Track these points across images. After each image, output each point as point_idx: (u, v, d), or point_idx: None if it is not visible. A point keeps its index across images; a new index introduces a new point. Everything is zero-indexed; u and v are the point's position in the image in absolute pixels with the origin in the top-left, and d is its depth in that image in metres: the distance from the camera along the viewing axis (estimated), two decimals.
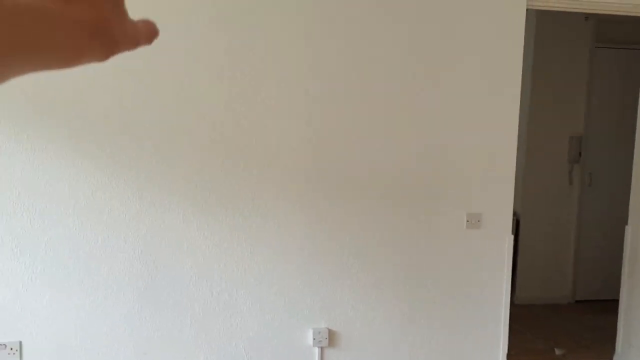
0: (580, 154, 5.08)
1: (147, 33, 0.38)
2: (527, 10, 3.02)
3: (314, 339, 2.95)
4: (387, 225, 2.99)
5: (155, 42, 0.39)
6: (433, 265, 3.07)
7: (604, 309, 4.72)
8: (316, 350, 2.97)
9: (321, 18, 2.83)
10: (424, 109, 3.00)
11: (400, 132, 2.97)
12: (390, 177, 2.98)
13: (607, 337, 3.98)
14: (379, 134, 2.95)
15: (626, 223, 3.64)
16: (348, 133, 2.91)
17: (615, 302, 3.77)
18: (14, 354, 2.61)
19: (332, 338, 2.98)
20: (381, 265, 3.01)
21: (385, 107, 2.95)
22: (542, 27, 4.80)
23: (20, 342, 2.63)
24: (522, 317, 4.49)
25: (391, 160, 2.97)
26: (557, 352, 4.09)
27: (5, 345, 2.60)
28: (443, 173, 3.05)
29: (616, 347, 3.73)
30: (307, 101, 2.85)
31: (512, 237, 3.18)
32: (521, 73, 3.05)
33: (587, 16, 4.75)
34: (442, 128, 3.02)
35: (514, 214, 3.32)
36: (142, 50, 0.40)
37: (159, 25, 0.39)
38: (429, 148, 3.01)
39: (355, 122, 2.92)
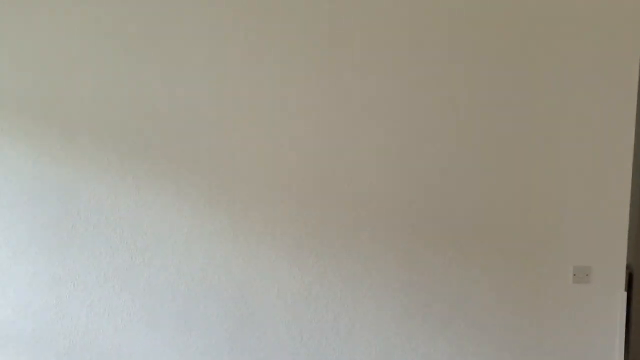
0: None
1: None
2: None
3: None
4: (486, 279, 2.84)
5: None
6: (536, 323, 2.86)
7: None
8: None
9: (416, 59, 2.79)
10: (525, 152, 2.85)
11: (498, 176, 2.84)
12: (489, 225, 2.83)
13: None
14: (475, 178, 2.83)
15: None
16: (446, 177, 2.82)
17: None
18: None
19: None
20: (480, 320, 2.84)
21: (483, 149, 2.84)
22: None
23: None
24: None
25: (489, 207, 2.83)
26: None
27: None
28: (545, 221, 2.86)
29: None
30: (401, 146, 2.80)
31: (624, 293, 2.92)
32: (634, 115, 2.84)
33: None
34: (544, 172, 2.85)
35: (627, 266, 3.05)
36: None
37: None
38: (530, 193, 2.85)
39: (452, 166, 2.82)
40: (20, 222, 2.69)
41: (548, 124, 2.86)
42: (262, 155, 2.76)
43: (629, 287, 4.43)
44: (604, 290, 2.89)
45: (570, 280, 2.88)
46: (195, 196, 2.73)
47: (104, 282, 2.71)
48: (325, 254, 2.78)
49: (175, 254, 2.73)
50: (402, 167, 2.81)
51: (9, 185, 2.69)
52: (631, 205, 2.91)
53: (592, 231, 2.88)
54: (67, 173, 2.70)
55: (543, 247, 2.87)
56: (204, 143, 2.74)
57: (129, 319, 2.71)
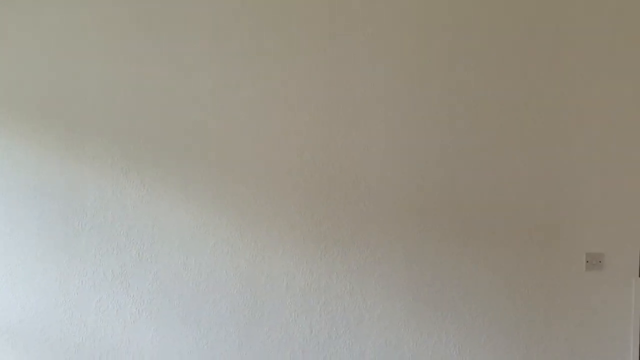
0: None
1: None
2: None
3: None
4: (496, 267, 2.80)
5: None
6: (548, 312, 2.83)
7: None
8: None
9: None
10: (536, 140, 2.80)
11: (507, 164, 2.80)
12: (499, 212, 2.79)
13: None
14: (484, 167, 2.79)
15: None
16: (452, 165, 2.78)
17: None
18: None
19: None
20: (491, 309, 2.81)
21: (492, 138, 2.79)
22: None
23: None
24: None
25: (499, 194, 2.79)
26: None
27: None
28: (557, 206, 2.82)
29: None
30: (407, 137, 2.77)
31: (639, 279, 2.87)
32: None
33: None
34: (555, 159, 2.80)
35: None
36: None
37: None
38: (540, 177, 2.80)
39: (459, 153, 2.78)
40: (27, 221, 2.68)
41: (562, 111, 2.81)
42: (267, 149, 2.73)
43: None
44: (617, 277, 2.84)
45: (583, 267, 2.84)
46: (200, 191, 2.71)
47: (112, 278, 2.70)
48: (332, 246, 2.76)
49: (182, 249, 2.72)
50: (409, 157, 2.78)
51: (15, 183, 2.68)
52: None
53: (604, 217, 2.83)
54: (71, 170, 2.69)
55: (554, 235, 2.82)
56: (208, 138, 2.72)
57: (138, 315, 2.71)
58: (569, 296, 2.83)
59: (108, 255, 2.70)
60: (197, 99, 2.72)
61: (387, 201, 2.77)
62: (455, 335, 2.81)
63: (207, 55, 2.73)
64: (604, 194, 2.83)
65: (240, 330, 2.74)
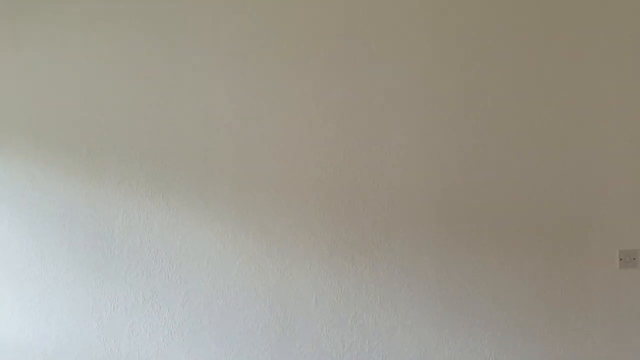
0: None
1: None
2: None
3: None
4: (527, 271, 2.75)
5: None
6: (582, 314, 2.76)
7: None
8: None
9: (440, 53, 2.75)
10: (565, 135, 2.76)
11: (536, 160, 2.76)
12: (526, 214, 2.75)
13: None
14: (511, 164, 2.76)
15: None
16: (476, 168, 2.75)
17: None
18: None
19: None
20: (524, 314, 2.76)
21: (518, 135, 2.76)
22: None
23: None
24: None
25: (525, 195, 2.75)
26: None
27: None
28: (587, 203, 2.76)
29: None
30: (429, 140, 2.75)
31: None
32: None
33: None
34: (585, 154, 2.76)
35: None
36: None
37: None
38: (571, 175, 2.76)
39: (485, 155, 2.76)
40: (56, 248, 2.73)
41: (589, 106, 2.77)
42: (287, 161, 2.74)
43: None
44: None
45: (616, 265, 2.77)
46: (224, 209, 2.73)
47: (143, 302, 2.72)
48: (359, 257, 2.74)
49: (210, 269, 2.73)
50: (432, 161, 2.76)
51: (42, 210, 2.73)
52: None
53: (637, 212, 2.77)
54: (97, 196, 2.73)
55: (585, 233, 2.77)
56: (228, 155, 2.74)
57: (170, 338, 2.72)
58: (604, 296, 2.76)
59: (138, 279, 2.72)
60: (214, 117, 2.75)
61: (410, 208, 2.75)
62: (490, 342, 2.76)
63: (223, 73, 2.76)
64: (636, 188, 2.77)
65: (273, 348, 2.73)
